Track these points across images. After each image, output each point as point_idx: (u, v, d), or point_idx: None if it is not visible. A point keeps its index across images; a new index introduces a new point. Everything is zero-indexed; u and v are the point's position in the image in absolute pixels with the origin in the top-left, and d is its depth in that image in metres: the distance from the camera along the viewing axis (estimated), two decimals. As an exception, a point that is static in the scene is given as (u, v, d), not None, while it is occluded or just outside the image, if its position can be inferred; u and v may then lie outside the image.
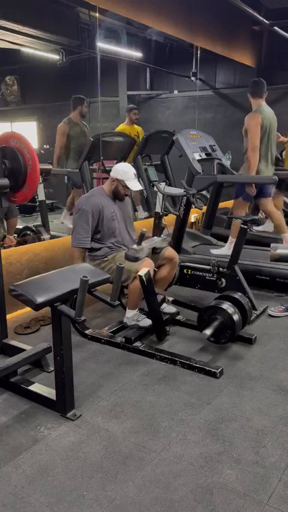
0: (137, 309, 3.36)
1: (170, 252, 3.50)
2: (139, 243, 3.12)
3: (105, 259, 3.34)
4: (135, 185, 3.35)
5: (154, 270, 3.28)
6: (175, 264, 3.54)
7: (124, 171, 3.32)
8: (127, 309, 3.38)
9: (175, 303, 3.76)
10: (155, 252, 3.42)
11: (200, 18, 6.59)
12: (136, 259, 3.08)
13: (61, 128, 6.13)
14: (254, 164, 4.46)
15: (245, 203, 4.84)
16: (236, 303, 3.19)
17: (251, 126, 4.44)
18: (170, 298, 3.72)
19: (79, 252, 3.33)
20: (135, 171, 3.39)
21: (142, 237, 3.10)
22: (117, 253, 3.33)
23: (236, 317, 3.09)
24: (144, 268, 3.08)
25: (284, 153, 5.93)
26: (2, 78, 11.07)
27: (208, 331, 3.05)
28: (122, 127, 6.94)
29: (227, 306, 3.12)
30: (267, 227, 5.53)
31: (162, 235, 3.69)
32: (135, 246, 3.12)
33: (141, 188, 3.61)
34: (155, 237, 3.56)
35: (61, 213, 6.98)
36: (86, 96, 6.39)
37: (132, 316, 3.33)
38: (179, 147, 4.29)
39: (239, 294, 3.33)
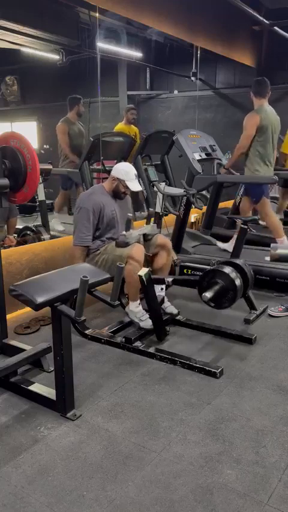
0: (138, 301, 3.33)
1: (161, 238, 3.51)
2: (127, 229, 3.19)
3: (97, 252, 3.36)
4: (135, 186, 3.36)
5: (152, 259, 3.36)
6: (169, 250, 3.53)
7: (125, 171, 3.34)
8: (129, 301, 3.37)
9: (175, 282, 3.73)
10: (146, 239, 3.43)
11: (200, 18, 6.60)
12: (126, 245, 3.15)
13: (61, 127, 6.15)
14: (233, 161, 4.63)
15: (268, 201, 4.81)
16: (237, 268, 3.19)
17: (247, 126, 4.46)
18: (170, 279, 3.65)
19: (80, 251, 3.33)
20: (136, 172, 3.40)
21: (129, 222, 3.17)
22: (109, 244, 3.35)
23: (238, 282, 3.08)
24: (144, 268, 3.08)
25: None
26: (2, 78, 11.08)
27: (208, 294, 3.04)
28: (119, 126, 6.94)
29: (229, 269, 3.11)
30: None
31: (152, 223, 3.69)
32: (124, 232, 3.17)
33: (141, 189, 3.63)
34: (144, 225, 3.57)
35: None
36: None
37: (136, 312, 3.32)
38: (179, 147, 4.29)
39: (241, 260, 3.33)
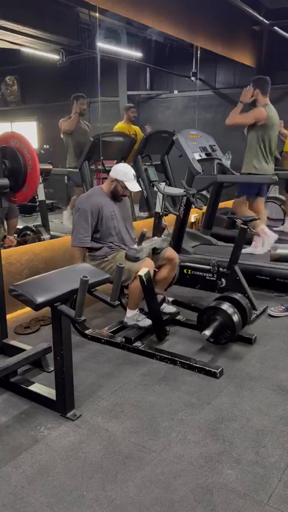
0: (137, 309, 3.36)
1: (170, 252, 3.50)
2: (139, 243, 3.13)
3: (106, 259, 3.34)
4: (134, 186, 3.36)
5: (154, 271, 3.29)
6: (175, 265, 3.54)
7: (124, 172, 3.33)
8: (127, 309, 3.38)
9: (175, 303, 3.76)
10: (155, 252, 3.42)
11: (200, 18, 6.60)
12: (137, 259, 3.09)
13: (61, 121, 6.18)
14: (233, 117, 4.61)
15: (245, 200, 4.81)
16: (235, 303, 3.19)
17: (251, 115, 4.52)
18: (170, 299, 3.72)
19: (79, 252, 3.33)
20: (134, 172, 3.39)
21: (143, 237, 3.11)
22: (118, 253, 3.34)
23: (235, 317, 3.09)
24: (144, 268, 3.08)
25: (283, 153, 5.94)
26: (2, 78, 11.07)
27: (208, 332, 3.05)
28: (119, 125, 6.95)
29: (226, 306, 3.12)
30: None
31: (162, 236, 3.70)
32: (135, 246, 3.13)
33: (140, 189, 3.62)
34: (155, 237, 3.56)
35: (61, 213, 6.95)
36: (86, 96, 6.39)
37: (133, 316, 3.34)
38: (179, 147, 4.29)
39: (239, 294, 3.33)
